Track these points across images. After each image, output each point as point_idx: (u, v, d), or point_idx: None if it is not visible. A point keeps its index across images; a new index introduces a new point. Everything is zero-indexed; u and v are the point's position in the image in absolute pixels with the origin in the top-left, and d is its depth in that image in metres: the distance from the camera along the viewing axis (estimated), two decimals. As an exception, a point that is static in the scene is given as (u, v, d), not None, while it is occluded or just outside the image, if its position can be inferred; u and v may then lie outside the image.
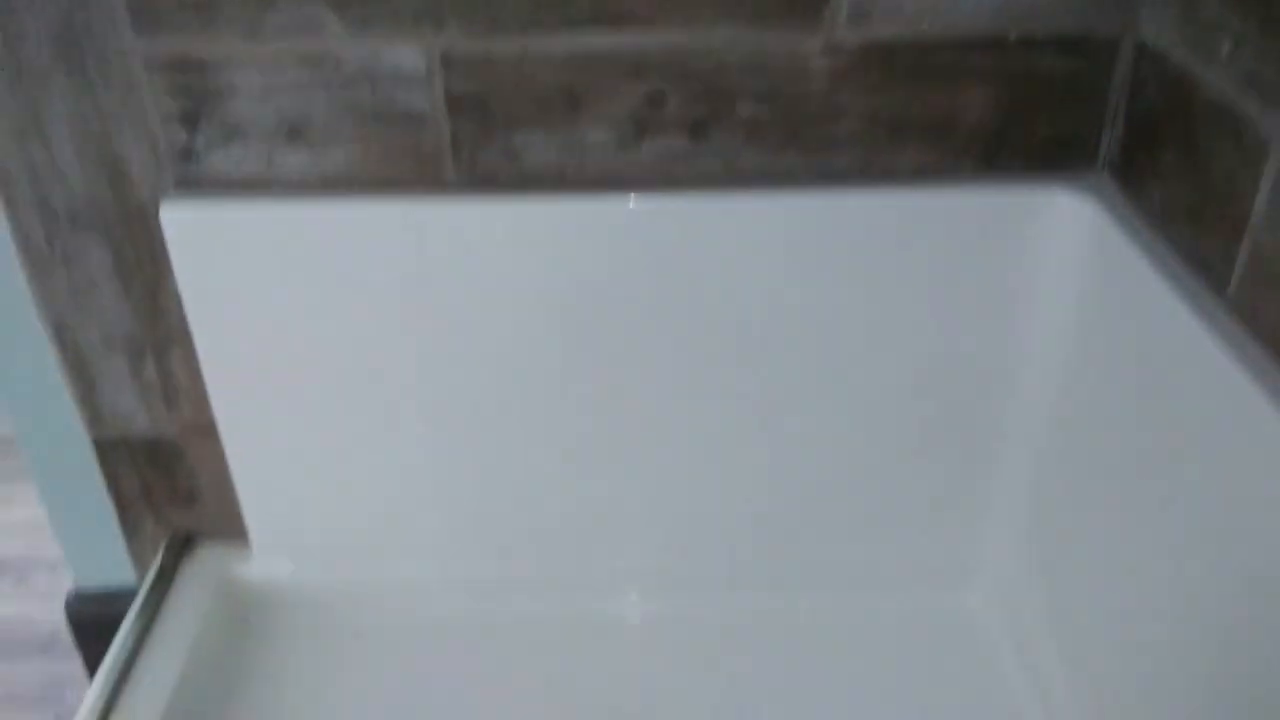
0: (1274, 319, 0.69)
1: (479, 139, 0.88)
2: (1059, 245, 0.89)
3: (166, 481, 1.05)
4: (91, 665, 1.17)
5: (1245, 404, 0.68)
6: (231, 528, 1.07)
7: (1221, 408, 0.71)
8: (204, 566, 1.07)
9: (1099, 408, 0.88)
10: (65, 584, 1.15)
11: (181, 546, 1.09)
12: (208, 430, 1.01)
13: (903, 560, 1.08)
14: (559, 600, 1.08)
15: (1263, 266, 0.70)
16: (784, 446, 1.01)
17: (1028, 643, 1.01)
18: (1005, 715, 0.99)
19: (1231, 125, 0.72)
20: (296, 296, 0.92)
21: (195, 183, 0.89)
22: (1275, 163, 0.68)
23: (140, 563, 1.10)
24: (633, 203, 0.89)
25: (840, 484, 1.03)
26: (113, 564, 1.11)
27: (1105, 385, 0.87)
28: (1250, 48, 0.70)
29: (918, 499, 1.04)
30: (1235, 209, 0.72)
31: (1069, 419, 0.93)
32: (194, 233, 0.89)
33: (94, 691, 0.94)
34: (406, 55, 0.84)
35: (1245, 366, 0.69)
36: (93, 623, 1.14)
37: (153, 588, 1.04)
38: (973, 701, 1.00)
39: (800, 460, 1.02)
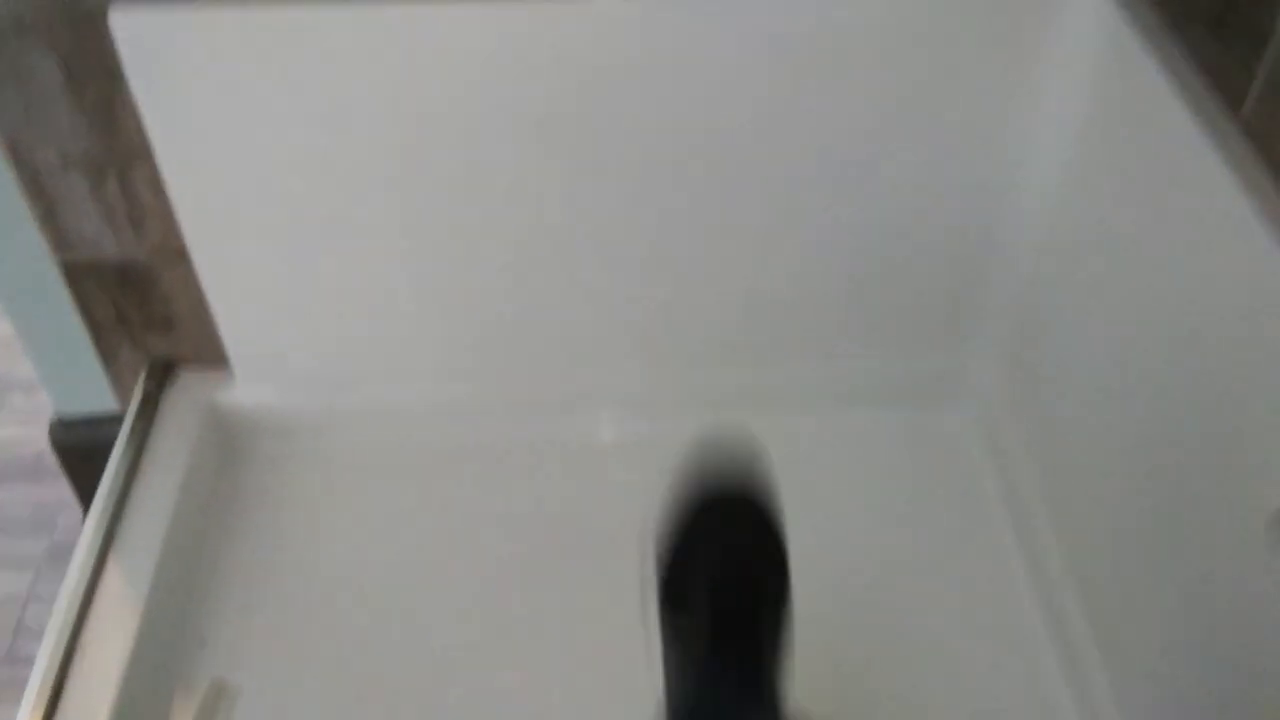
0: None
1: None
2: (1071, 40, 0.82)
3: (140, 307, 1.00)
4: (80, 491, 1.15)
5: (1248, 235, 0.64)
6: (212, 354, 1.03)
7: (1223, 236, 0.67)
8: (187, 394, 1.03)
9: (1094, 225, 0.84)
10: (43, 405, 1.11)
11: (162, 373, 1.05)
12: (179, 253, 0.95)
13: (888, 379, 1.06)
14: (538, 421, 1.06)
15: None
16: (765, 259, 0.96)
17: (1008, 464, 1.01)
18: (982, 528, 1.00)
19: None
20: (263, 106, 0.84)
21: (145, -16, 0.81)
22: None
23: (121, 389, 1.07)
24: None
25: (824, 298, 0.99)
26: (92, 390, 1.07)
27: (1103, 203, 0.82)
28: None
29: (904, 316, 1.01)
30: (1259, 22, 0.66)
31: (1061, 237, 0.89)
32: (147, 39, 0.80)
33: (90, 524, 0.92)
34: None
35: (1251, 193, 0.64)
36: (78, 449, 1.11)
37: (138, 416, 1.01)
38: (953, 517, 1.01)
39: (783, 274, 0.97)
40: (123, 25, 0.80)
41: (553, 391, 1.06)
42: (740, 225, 0.94)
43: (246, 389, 1.04)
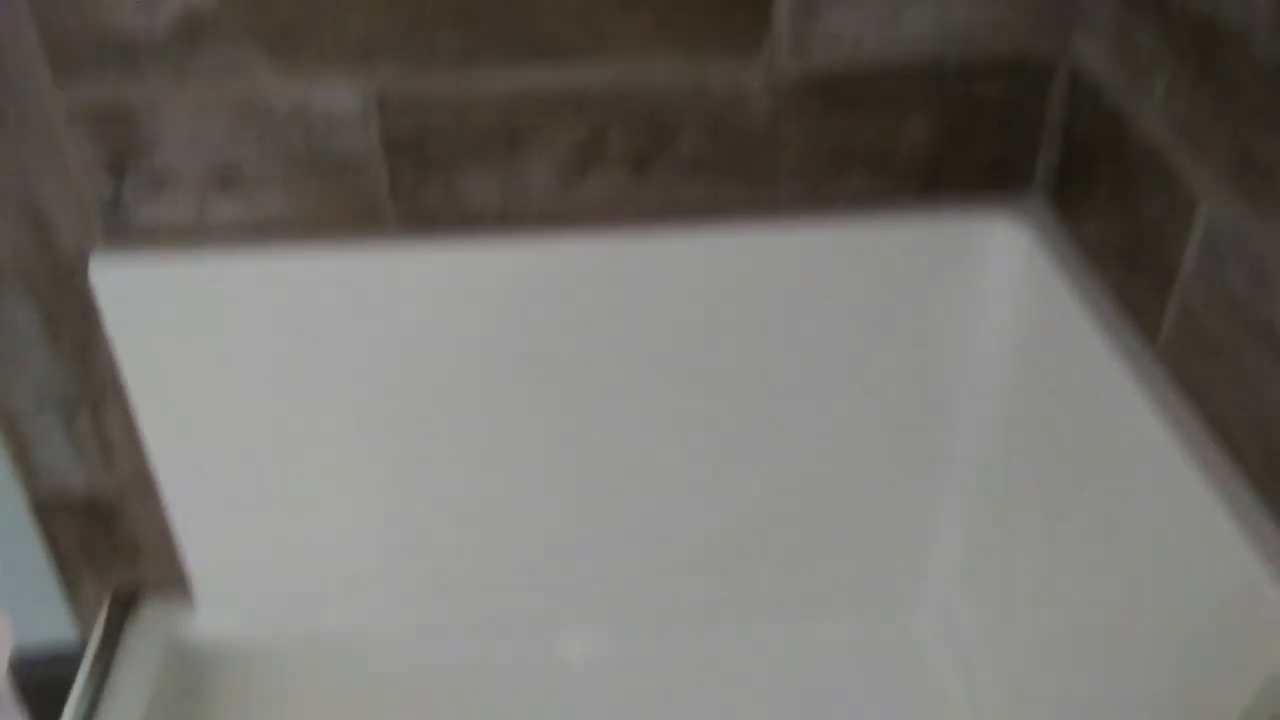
0: (1203, 381, 0.67)
1: (418, 180, 0.84)
2: (996, 273, 0.87)
3: (106, 538, 1.00)
4: (38, 727, 1.11)
5: (1170, 465, 0.67)
6: (175, 582, 1.02)
7: (1146, 463, 0.70)
8: (149, 625, 1.01)
9: (1031, 440, 0.86)
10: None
11: (125, 604, 1.03)
12: (146, 485, 0.96)
13: (846, 588, 1.06)
14: (506, 643, 1.04)
15: (1192, 325, 0.68)
16: (727, 477, 0.98)
17: (968, 667, 1.00)
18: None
19: (1163, 172, 0.70)
20: (234, 346, 0.87)
21: (124, 234, 0.84)
22: (1204, 221, 0.66)
23: (82, 620, 1.05)
24: (575, 243, 0.86)
25: (783, 513, 1.01)
26: (54, 622, 1.05)
27: (1037, 419, 0.85)
28: (1184, 93, 0.68)
29: (860, 528, 1.02)
30: (1165, 260, 0.70)
31: (1003, 450, 0.91)
32: (125, 288, 0.84)
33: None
34: (340, 96, 0.80)
35: (1171, 424, 0.67)
36: (38, 684, 1.08)
37: (99, 651, 0.99)
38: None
39: (743, 491, 0.99)
40: (103, 275, 0.83)
41: (521, 612, 1.05)
42: (700, 451, 0.97)
43: (210, 617, 1.02)
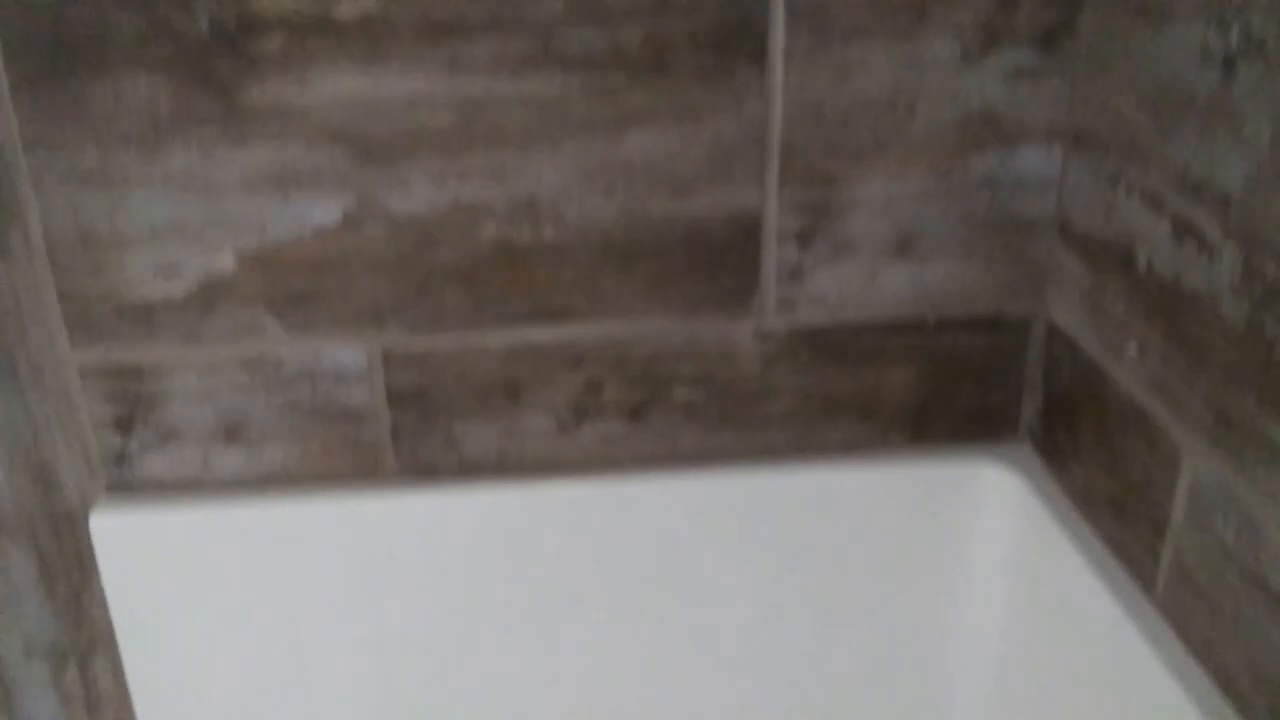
0: (1204, 632, 0.67)
1: (419, 431, 0.86)
2: (987, 518, 0.88)
3: (84, 797, 0.96)
4: None
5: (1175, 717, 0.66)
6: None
7: (1151, 715, 0.68)
8: None
9: (1031, 686, 0.84)
10: None
11: None
12: (132, 739, 0.93)
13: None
14: None
15: (1188, 576, 0.68)
16: (717, 718, 0.96)
17: None
18: None
19: (1144, 425, 0.72)
20: (230, 597, 0.87)
21: (127, 486, 0.86)
22: (1189, 475, 0.67)
23: None
24: (572, 488, 0.87)
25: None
26: None
27: (1037, 665, 0.83)
28: (1156, 352, 0.70)
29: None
30: (1155, 510, 0.71)
31: (1002, 695, 0.89)
32: (124, 540, 0.84)
33: None
34: (347, 354, 0.83)
35: (1177, 680, 0.66)
36: None
37: None
38: None
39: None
40: (102, 527, 0.84)
41: None
42: (690, 692, 0.94)
43: None
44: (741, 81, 0.76)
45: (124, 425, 0.83)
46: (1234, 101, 0.60)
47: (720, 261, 0.82)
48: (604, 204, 0.79)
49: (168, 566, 0.85)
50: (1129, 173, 0.71)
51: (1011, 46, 0.76)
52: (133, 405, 0.83)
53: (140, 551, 0.84)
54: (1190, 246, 0.66)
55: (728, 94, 0.76)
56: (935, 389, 0.87)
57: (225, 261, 0.79)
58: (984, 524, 0.88)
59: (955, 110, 0.77)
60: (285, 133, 0.75)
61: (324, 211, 0.78)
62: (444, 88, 0.75)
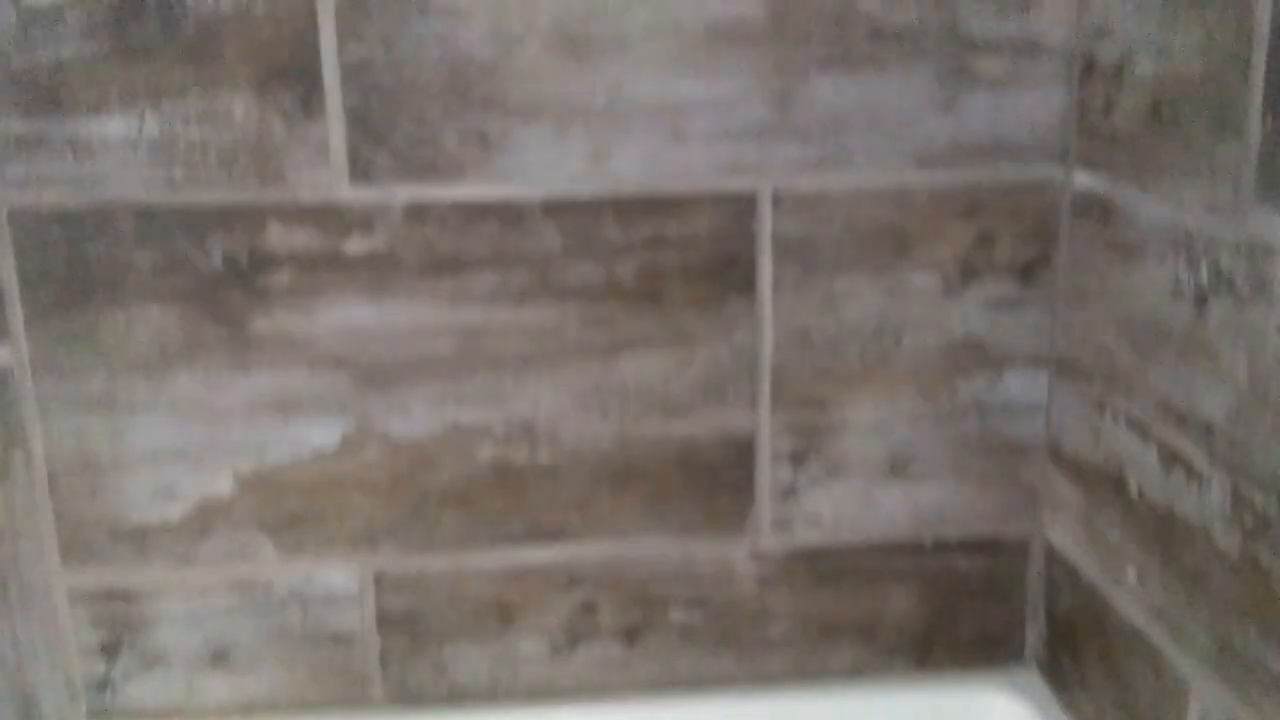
0: None
1: (408, 656, 0.84)
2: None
3: None
4: None
5: None
6: None
7: None
8: None
9: None
10: None
11: None
12: None
13: None
14: None
15: None
16: None
17: None
18: None
19: (1149, 653, 0.70)
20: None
21: (108, 713, 0.83)
22: (1198, 708, 0.65)
23: None
24: (566, 715, 0.84)
25: None
26: None
27: None
28: (1155, 579, 0.69)
29: None
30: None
31: None
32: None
33: None
34: (339, 576, 0.82)
35: None
36: None
37: None
38: None
39: None
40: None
41: None
42: None
43: None
44: (732, 310, 0.78)
45: (110, 650, 0.81)
46: (1209, 335, 0.62)
47: (715, 482, 0.82)
48: (599, 426, 0.80)
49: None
50: (1114, 400, 0.72)
51: (991, 279, 0.78)
52: (120, 630, 0.81)
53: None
54: (1179, 475, 0.66)
55: (719, 322, 0.78)
56: (937, 612, 0.85)
57: (223, 484, 0.79)
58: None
59: (940, 338, 0.79)
60: (289, 360, 0.77)
61: (323, 435, 0.79)
62: (446, 317, 0.77)
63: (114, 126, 0.72)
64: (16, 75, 0.71)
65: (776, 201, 0.76)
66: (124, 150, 0.72)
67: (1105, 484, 0.74)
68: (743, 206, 0.76)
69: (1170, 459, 0.66)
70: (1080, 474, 0.78)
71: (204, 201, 0.74)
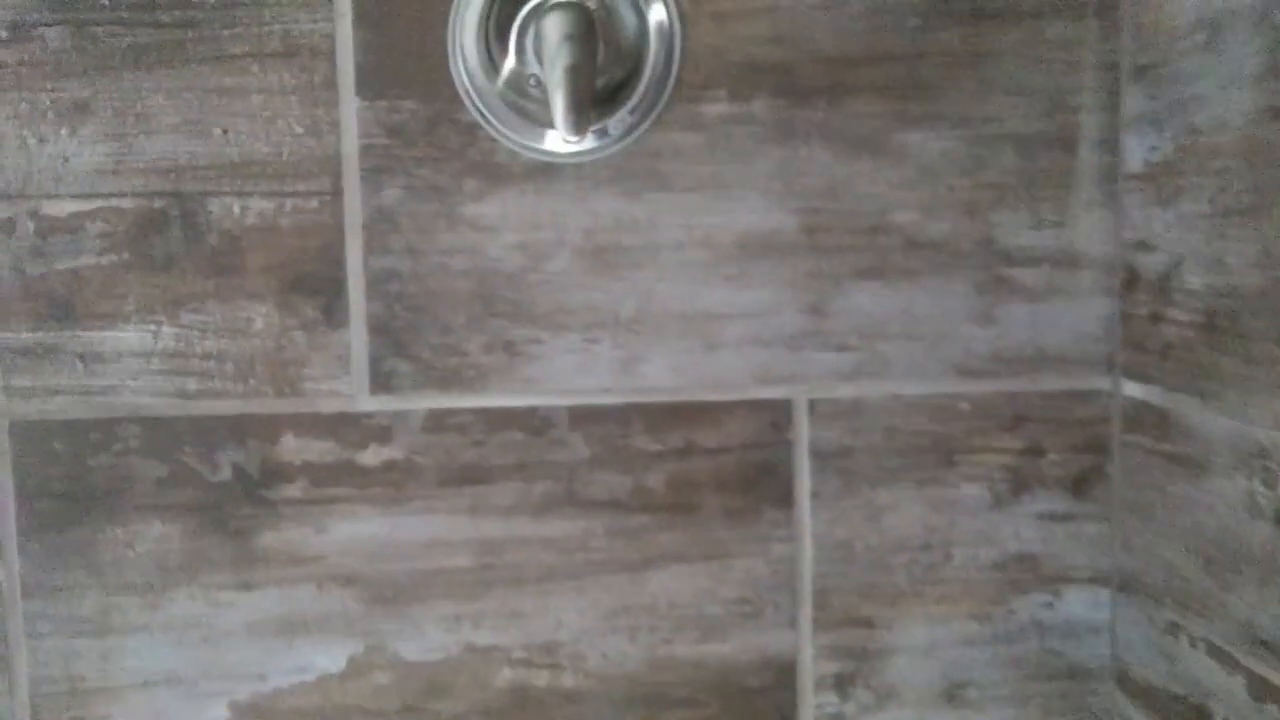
0: None
1: None
2: None
3: None
4: None
5: None
6: None
7: None
8: None
9: None
10: None
11: None
12: None
13: None
14: None
15: None
16: None
17: None
18: None
19: None
20: None
21: None
22: None
23: None
24: None
25: None
26: None
27: None
28: None
29: None
30: None
31: None
32: None
33: None
34: None
35: None
36: None
37: None
38: None
39: None
40: None
41: None
42: None
43: None
44: (769, 522, 0.73)
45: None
46: (1294, 559, 0.57)
47: (754, 710, 0.75)
48: (628, 647, 0.74)
49: None
50: (1189, 623, 0.66)
51: (1043, 491, 0.74)
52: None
53: None
54: (1272, 709, 0.59)
55: (755, 535, 0.73)
56: None
57: (217, 714, 0.72)
58: None
59: (992, 553, 0.74)
60: (297, 578, 0.72)
61: (329, 658, 0.73)
62: (464, 530, 0.72)
63: (128, 338, 0.69)
64: (30, 285, 0.68)
65: (813, 410, 0.72)
66: (137, 361, 0.69)
67: (1184, 716, 0.67)
68: (778, 415, 0.72)
69: (1262, 691, 0.60)
70: (1154, 703, 0.71)
71: (217, 413, 0.70)
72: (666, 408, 0.72)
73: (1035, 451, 0.73)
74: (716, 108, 0.70)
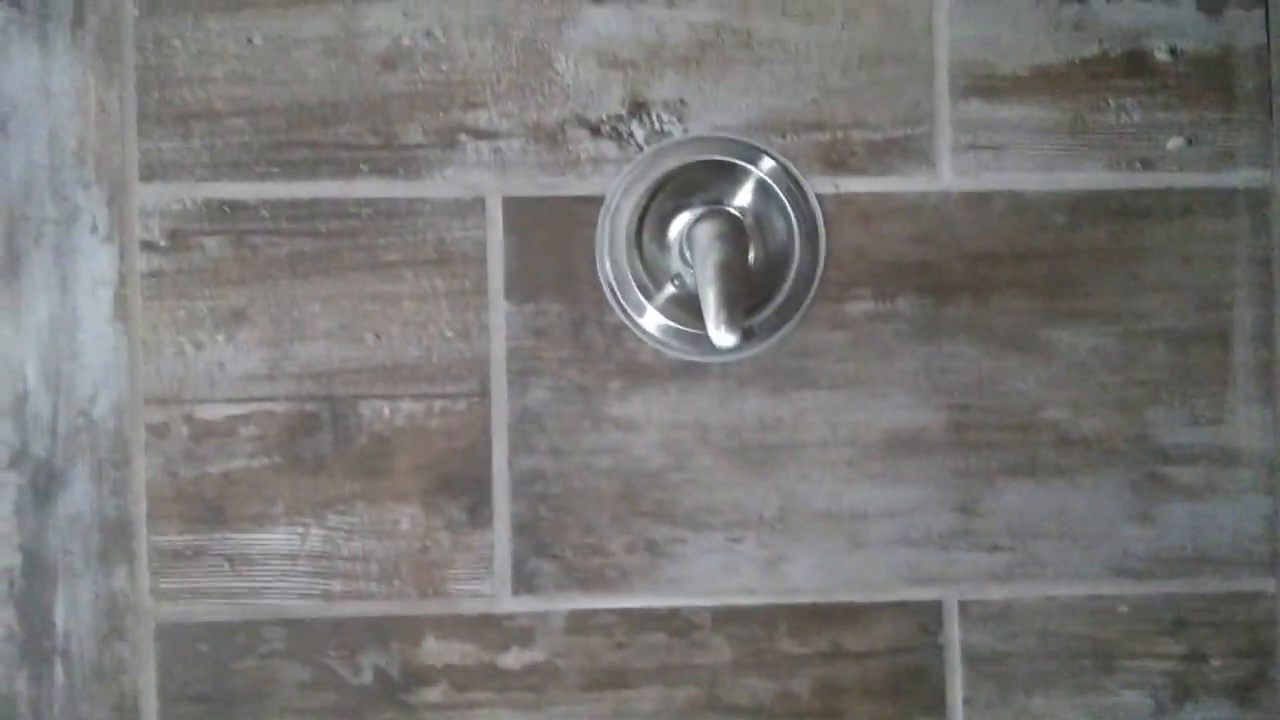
0: None
1: None
2: None
3: None
4: None
5: None
6: None
7: None
8: None
9: None
10: None
11: None
12: None
13: None
14: None
15: None
16: None
17: None
18: None
19: None
20: None
21: None
22: None
23: None
24: None
25: None
26: None
27: None
28: None
29: None
30: None
31: None
32: None
33: None
34: None
35: None
36: None
37: None
38: None
39: None
40: None
41: None
42: None
43: None
44: (917, 727, 0.70)
45: None
46: None
47: None
48: None
49: None
50: None
51: (1208, 699, 0.70)
52: None
53: None
54: None
55: (903, 741, 0.70)
56: None
57: None
58: None
59: (1157, 765, 0.70)
60: (435, 782, 0.69)
61: None
62: (604, 733, 0.70)
63: (275, 540, 0.68)
64: (182, 488, 0.68)
65: (964, 612, 0.69)
66: (283, 563, 0.68)
67: None
68: (927, 617, 0.70)
69: None
70: None
71: (360, 614, 0.69)
72: (811, 609, 0.69)
73: (1197, 657, 0.70)
74: (861, 306, 0.69)
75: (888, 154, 0.69)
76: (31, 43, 0.68)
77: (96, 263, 0.68)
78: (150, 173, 0.68)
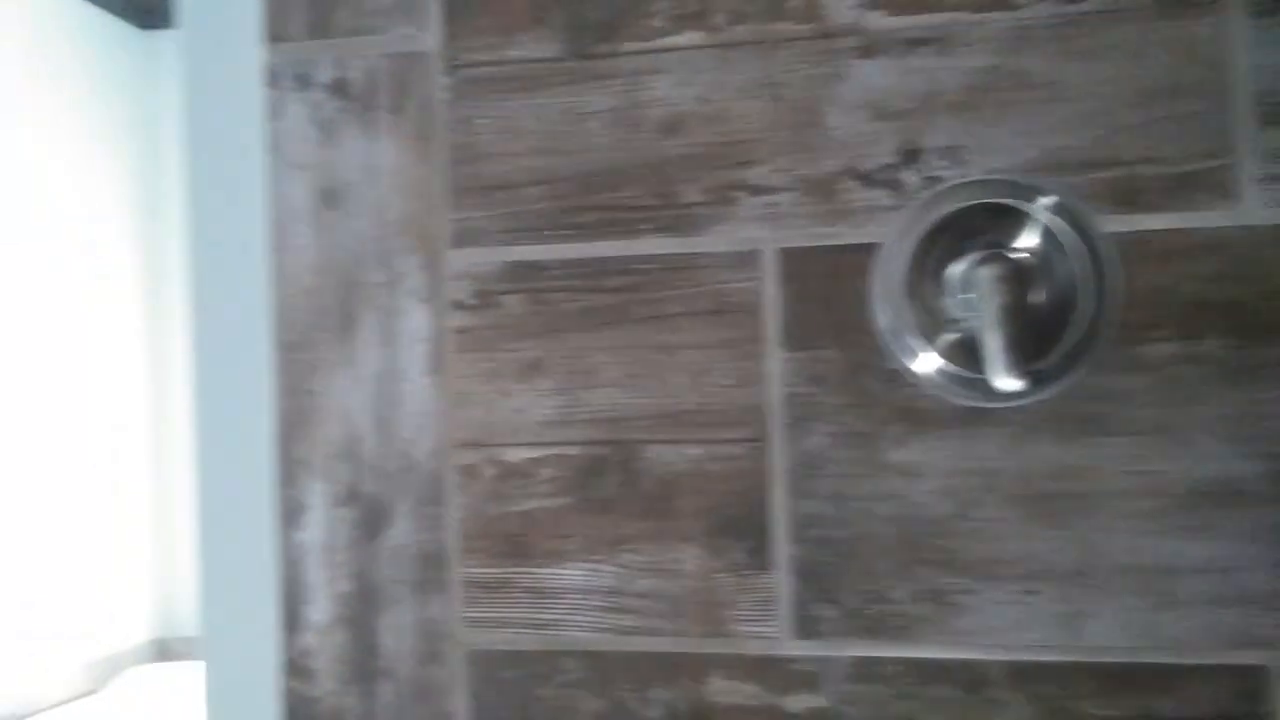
0: None
1: None
2: None
3: None
4: None
5: None
6: None
7: None
8: None
9: None
10: None
11: None
12: None
13: None
14: None
15: None
16: None
17: None
18: None
19: None
20: None
21: None
22: None
23: None
24: None
25: None
26: None
27: None
28: None
29: None
30: None
31: None
32: None
33: None
34: None
35: None
36: None
37: None
38: None
39: None
40: None
41: None
42: None
43: None
44: (1240, 804, 0.63)
45: None
46: None
47: None
48: None
49: None
50: None
51: None
52: None
53: None
54: None
55: (1224, 818, 0.63)
56: None
57: None
58: None
59: None
60: (720, 819, 0.70)
61: None
62: (888, 782, 0.68)
63: (571, 575, 0.72)
64: (490, 525, 0.73)
65: (1294, 681, 0.62)
66: (578, 598, 0.72)
67: None
68: (1250, 684, 0.63)
69: None
70: None
71: (650, 650, 0.71)
72: (1117, 669, 0.65)
73: None
74: (1162, 348, 0.65)
75: (1183, 188, 0.64)
76: (358, 128, 0.77)
77: (415, 321, 0.75)
78: (460, 239, 0.74)
